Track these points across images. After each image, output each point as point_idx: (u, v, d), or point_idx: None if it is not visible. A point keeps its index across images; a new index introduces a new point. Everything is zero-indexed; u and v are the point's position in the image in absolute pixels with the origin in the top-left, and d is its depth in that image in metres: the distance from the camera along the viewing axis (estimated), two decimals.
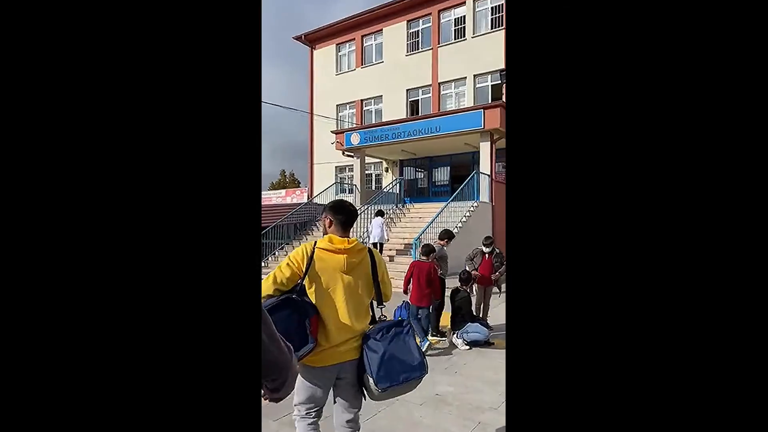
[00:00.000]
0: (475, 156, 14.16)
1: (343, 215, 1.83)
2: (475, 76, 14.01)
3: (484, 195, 10.96)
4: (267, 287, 1.69)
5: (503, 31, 13.24)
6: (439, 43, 14.85)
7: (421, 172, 15.78)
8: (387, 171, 16.05)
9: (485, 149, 11.20)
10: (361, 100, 16.81)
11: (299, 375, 1.71)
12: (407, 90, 15.54)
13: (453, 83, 14.58)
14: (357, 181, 13.84)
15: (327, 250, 1.75)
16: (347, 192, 15.80)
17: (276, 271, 1.72)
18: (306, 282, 1.71)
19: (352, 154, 13.91)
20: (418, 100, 15.43)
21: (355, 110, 16.89)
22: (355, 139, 13.33)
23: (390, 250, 9.74)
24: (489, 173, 10.99)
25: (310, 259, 1.72)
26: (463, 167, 14.61)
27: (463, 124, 11.20)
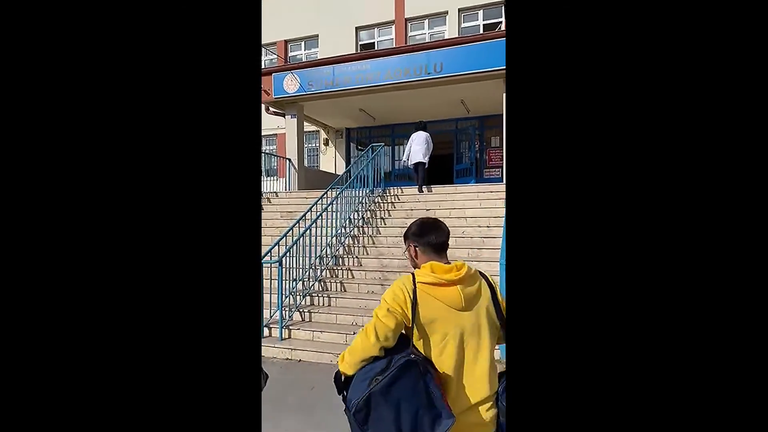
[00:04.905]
0: (458, 126, 10.15)
1: (431, 234, 1.28)
2: (460, 11, 9.88)
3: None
4: (368, 349, 1.16)
5: None
6: None
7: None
8: (326, 145, 11.14)
9: None
10: (286, 42, 11.54)
11: None
12: (356, 28, 10.77)
13: (427, 20, 10.26)
14: (292, 154, 8.73)
15: (433, 284, 1.21)
16: (267, 175, 10.51)
17: (375, 324, 1.17)
18: (414, 332, 1.19)
19: (283, 111, 8.76)
20: (373, 43, 10.79)
21: (276, 56, 11.55)
22: (290, 84, 8.21)
23: (381, 270, 5.10)
24: None
25: (414, 299, 1.18)
26: (442, 144, 10.43)
27: (483, 61, 6.97)
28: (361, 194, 6.49)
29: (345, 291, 4.97)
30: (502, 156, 9.64)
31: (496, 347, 1.28)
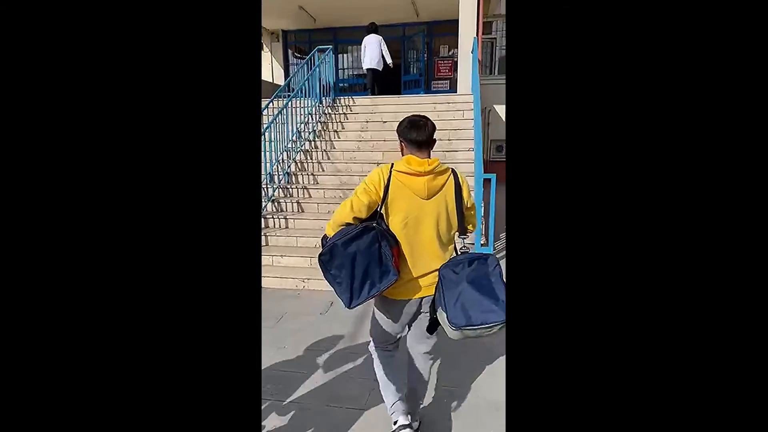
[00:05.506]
0: (406, 32, 9.40)
1: (413, 132, 1.50)
2: None
3: (464, 85, 6.62)
4: (344, 215, 1.48)
5: None
6: None
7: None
8: (263, 50, 9.86)
9: (468, 9, 6.60)
10: None
11: (376, 308, 1.66)
12: None
13: None
14: None
15: (405, 173, 1.48)
16: None
17: (353, 198, 1.49)
18: (383, 210, 1.48)
19: None
20: None
21: None
22: None
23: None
24: (474, 52, 6.52)
25: (387, 183, 1.47)
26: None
27: None
28: (309, 104, 5.87)
29: (303, 211, 4.64)
30: (451, 67, 9.21)
31: (459, 236, 1.57)
